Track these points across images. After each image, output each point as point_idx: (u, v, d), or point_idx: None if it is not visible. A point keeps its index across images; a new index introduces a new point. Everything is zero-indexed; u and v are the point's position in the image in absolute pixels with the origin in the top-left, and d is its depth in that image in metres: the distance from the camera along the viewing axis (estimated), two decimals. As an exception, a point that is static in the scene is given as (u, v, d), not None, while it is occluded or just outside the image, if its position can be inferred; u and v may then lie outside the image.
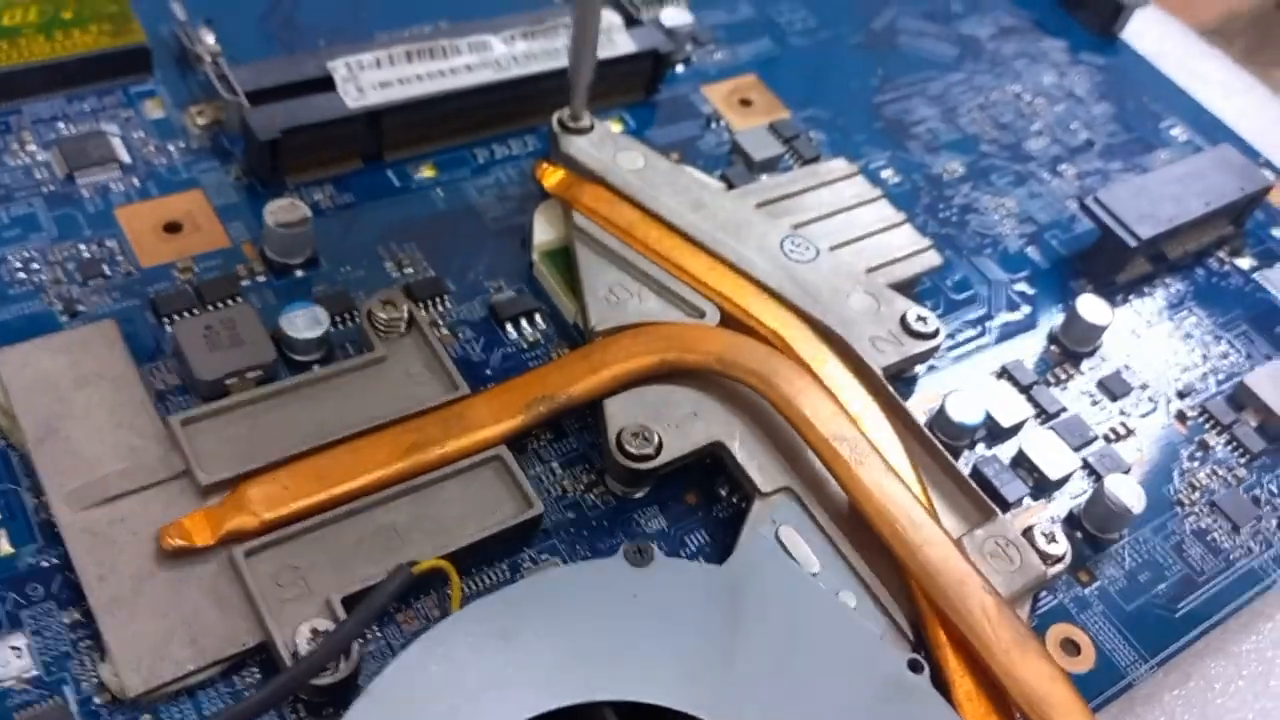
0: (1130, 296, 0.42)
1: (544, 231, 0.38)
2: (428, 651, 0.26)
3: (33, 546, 0.29)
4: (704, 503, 0.34)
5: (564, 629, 0.27)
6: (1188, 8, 0.59)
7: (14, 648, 0.27)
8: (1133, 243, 0.41)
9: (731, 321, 0.36)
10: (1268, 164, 0.48)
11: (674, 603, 0.28)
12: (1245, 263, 0.45)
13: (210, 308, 0.34)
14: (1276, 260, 0.45)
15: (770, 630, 0.28)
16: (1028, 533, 0.32)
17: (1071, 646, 0.33)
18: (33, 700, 0.27)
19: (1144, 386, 0.39)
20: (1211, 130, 0.50)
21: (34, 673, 0.27)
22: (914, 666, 0.28)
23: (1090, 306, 0.39)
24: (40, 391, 0.31)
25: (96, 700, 0.27)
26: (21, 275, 0.34)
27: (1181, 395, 0.40)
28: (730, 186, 0.41)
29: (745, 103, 0.46)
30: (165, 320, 0.34)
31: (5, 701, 0.27)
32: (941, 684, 0.29)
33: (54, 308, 0.34)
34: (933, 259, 0.40)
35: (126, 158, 0.38)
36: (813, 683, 0.27)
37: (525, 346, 0.36)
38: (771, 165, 0.43)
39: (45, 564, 0.29)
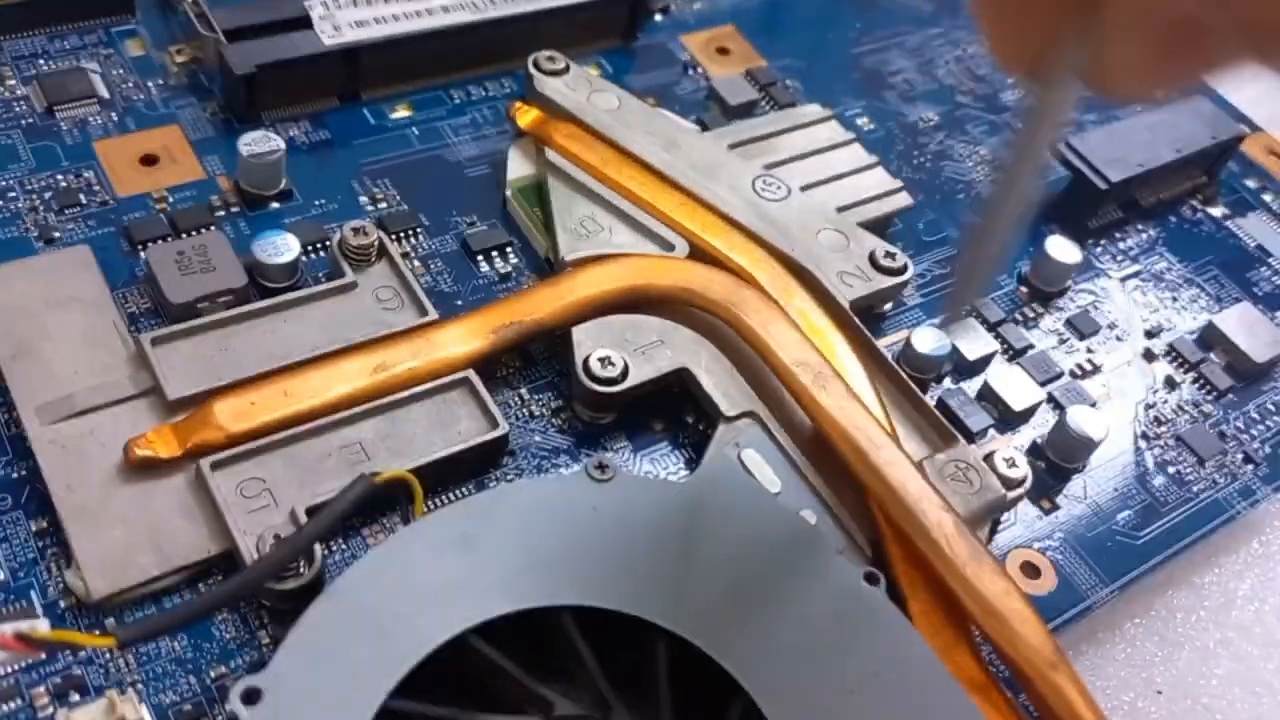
0: (1102, 241, 0.43)
1: (517, 168, 0.39)
2: (388, 555, 0.26)
3: (1, 459, 0.30)
4: (671, 430, 0.34)
5: (525, 537, 0.27)
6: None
7: (-18, 554, 0.28)
8: (1104, 186, 0.41)
9: (701, 255, 0.36)
10: (1243, 119, 0.49)
11: (634, 516, 0.28)
12: (1218, 211, 0.45)
13: (184, 236, 0.35)
14: (1249, 209, 0.46)
15: (730, 544, 0.28)
16: (989, 458, 0.32)
17: (1032, 569, 0.33)
18: (2, 603, 0.27)
19: (1112, 326, 0.40)
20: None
21: (1, 577, 0.28)
22: (870, 579, 0.28)
23: (1059, 246, 0.40)
24: (14, 312, 0.31)
25: (62, 604, 0.27)
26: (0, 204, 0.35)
27: (1150, 335, 0.40)
28: (705, 130, 0.41)
29: (723, 51, 0.46)
30: (140, 248, 0.34)
31: (-28, 604, 0.27)
32: (898, 598, 0.29)
33: (30, 234, 0.34)
34: (903, 199, 0.40)
35: (105, 93, 0.38)
36: (771, 593, 0.28)
37: (497, 279, 0.36)
38: (747, 111, 0.43)
39: (15, 475, 0.29)
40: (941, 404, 0.36)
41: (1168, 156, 0.43)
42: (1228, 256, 0.43)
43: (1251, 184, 0.47)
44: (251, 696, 0.24)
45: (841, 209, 0.39)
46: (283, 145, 0.36)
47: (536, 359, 0.35)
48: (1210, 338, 0.40)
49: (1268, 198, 0.46)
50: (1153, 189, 0.44)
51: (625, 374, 0.33)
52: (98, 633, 0.27)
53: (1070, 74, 0.20)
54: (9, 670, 0.26)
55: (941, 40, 0.49)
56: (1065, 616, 0.32)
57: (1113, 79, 0.20)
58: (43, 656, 0.26)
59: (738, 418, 0.33)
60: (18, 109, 0.37)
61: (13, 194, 0.35)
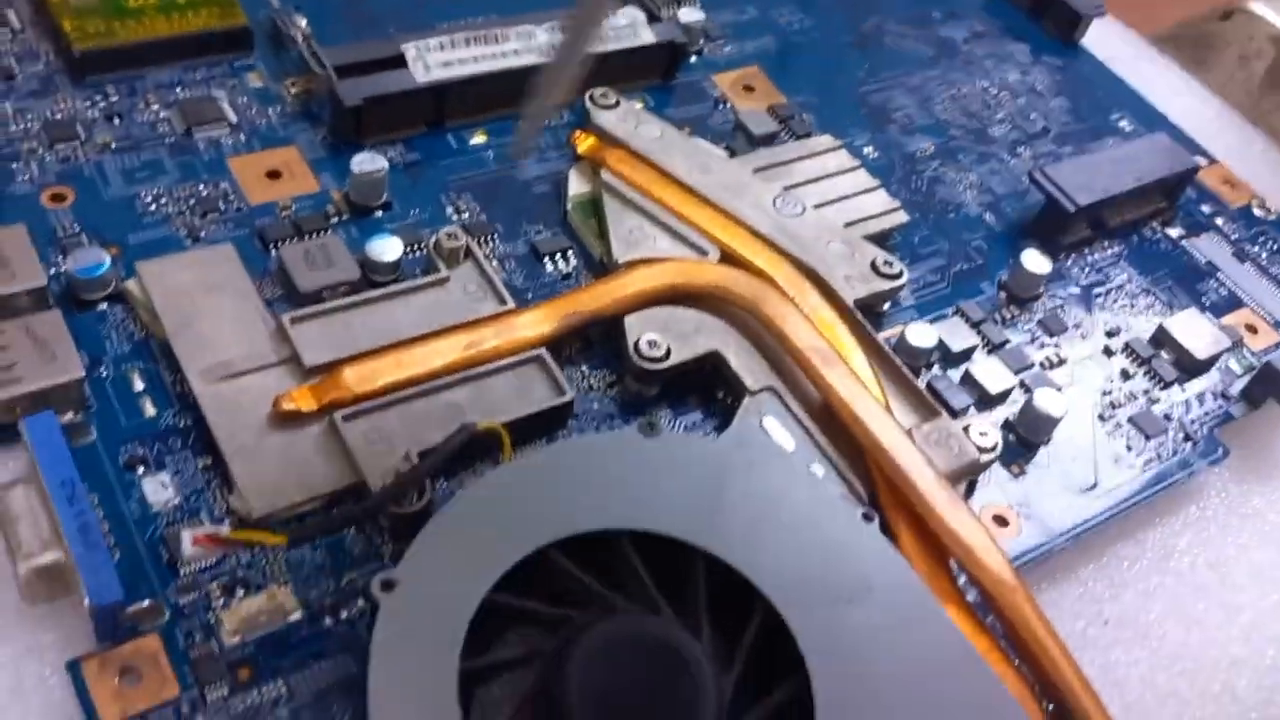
0: (1073, 255, 0.50)
1: (577, 186, 0.46)
2: (487, 486, 0.34)
3: (170, 411, 0.37)
4: (704, 402, 0.41)
5: (590, 478, 0.35)
6: (1146, 19, 0.67)
7: (162, 483, 0.35)
8: (1071, 208, 0.48)
9: (729, 260, 0.43)
10: (1202, 152, 0.56)
11: (676, 464, 0.35)
12: (1175, 232, 0.52)
13: (306, 237, 0.42)
14: (1202, 230, 0.53)
15: (753, 489, 0.35)
16: (966, 429, 0.40)
17: (1001, 521, 0.40)
18: (178, 520, 0.35)
19: (1077, 326, 0.47)
20: (1155, 123, 0.58)
21: (177, 501, 0.35)
22: (866, 517, 0.35)
23: (1033, 259, 0.47)
24: (177, 295, 0.39)
25: (226, 522, 0.35)
26: (153, 207, 0.42)
27: (1109, 334, 0.47)
28: (733, 155, 0.49)
29: (749, 89, 0.54)
30: (270, 247, 0.42)
31: (158, 520, 0.34)
32: (888, 535, 0.36)
33: (179, 233, 0.42)
34: (900, 217, 0.47)
35: (233, 118, 0.46)
36: (785, 527, 0.35)
37: (560, 277, 0.44)
38: (769, 140, 0.51)
39: (182, 424, 0.37)
40: (930, 387, 0.43)
41: (1129, 184, 0.50)
42: (1181, 269, 0.51)
43: (1206, 209, 0.54)
44: (388, 585, 0.31)
45: (848, 224, 0.46)
46: (386, 165, 0.43)
47: (595, 341, 0.42)
48: (1161, 338, 0.47)
49: (1219, 221, 0.53)
50: (1119, 211, 0.51)
51: (668, 354, 0.40)
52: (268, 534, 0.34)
53: None
54: (190, 569, 0.33)
55: (939, 81, 0.57)
56: (1028, 557, 0.39)
57: None
58: (224, 554, 0.33)
59: (760, 391, 0.40)
60: (161, 129, 0.45)
61: (164, 200, 0.43)
